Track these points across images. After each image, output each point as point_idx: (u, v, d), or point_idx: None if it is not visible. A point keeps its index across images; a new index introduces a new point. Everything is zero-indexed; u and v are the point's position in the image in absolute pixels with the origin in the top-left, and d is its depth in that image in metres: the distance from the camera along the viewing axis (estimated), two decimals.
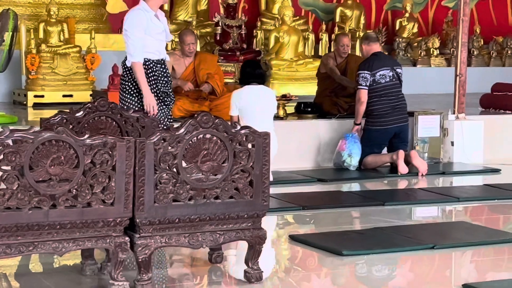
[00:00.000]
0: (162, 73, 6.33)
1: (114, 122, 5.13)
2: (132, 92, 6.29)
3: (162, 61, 6.34)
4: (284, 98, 9.28)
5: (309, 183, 8.01)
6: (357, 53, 13.51)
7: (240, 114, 7.41)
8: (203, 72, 8.77)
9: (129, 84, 6.29)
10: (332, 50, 10.50)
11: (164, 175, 4.36)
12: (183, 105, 8.64)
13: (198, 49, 10.52)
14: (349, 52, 9.71)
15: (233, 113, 7.45)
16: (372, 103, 8.60)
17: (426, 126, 9.12)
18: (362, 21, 14.49)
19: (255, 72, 7.54)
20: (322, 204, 6.97)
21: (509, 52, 15.43)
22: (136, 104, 6.27)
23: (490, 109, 10.67)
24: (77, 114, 5.04)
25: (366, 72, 8.54)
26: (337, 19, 14.43)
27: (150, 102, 6.22)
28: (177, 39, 12.17)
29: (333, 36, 12.20)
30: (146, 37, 6.19)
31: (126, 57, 6.29)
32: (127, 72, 6.28)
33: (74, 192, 4.18)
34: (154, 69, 6.27)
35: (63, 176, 4.14)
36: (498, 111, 10.54)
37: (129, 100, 6.30)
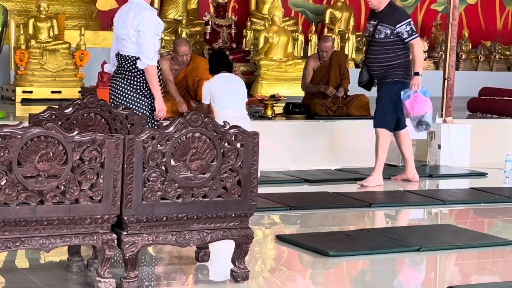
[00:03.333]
0: (160, 76, 6.26)
1: (103, 119, 5.12)
2: (145, 94, 6.12)
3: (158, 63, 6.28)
4: (273, 99, 9.29)
5: (297, 184, 8.03)
6: (346, 53, 13.54)
7: (213, 102, 7.68)
8: (195, 79, 8.78)
9: (144, 84, 6.10)
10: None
11: (153, 173, 4.36)
12: (171, 107, 8.64)
13: None
14: (334, 50, 9.77)
15: (205, 101, 7.77)
16: (403, 54, 7.82)
17: (413, 129, 9.14)
18: (352, 23, 14.51)
19: (223, 61, 7.92)
20: (309, 205, 6.98)
21: (497, 56, 15.50)
22: (147, 106, 6.14)
23: (477, 113, 10.72)
24: (66, 111, 5.02)
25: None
26: (327, 20, 14.45)
27: (163, 106, 6.17)
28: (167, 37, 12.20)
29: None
30: (155, 38, 6.12)
31: (129, 56, 6.10)
32: (141, 72, 6.11)
33: (62, 189, 4.17)
34: (159, 70, 6.20)
35: (52, 172, 4.13)
36: (485, 115, 10.59)
37: (142, 102, 6.10)
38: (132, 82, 6.12)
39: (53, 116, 4.96)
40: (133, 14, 6.03)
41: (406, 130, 8.08)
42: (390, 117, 7.89)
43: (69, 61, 10.89)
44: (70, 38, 11.26)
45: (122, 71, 6.15)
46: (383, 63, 7.78)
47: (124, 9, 6.21)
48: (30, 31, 11.10)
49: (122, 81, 6.14)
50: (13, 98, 10.60)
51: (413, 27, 7.75)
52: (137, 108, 6.05)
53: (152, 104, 6.14)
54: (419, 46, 7.79)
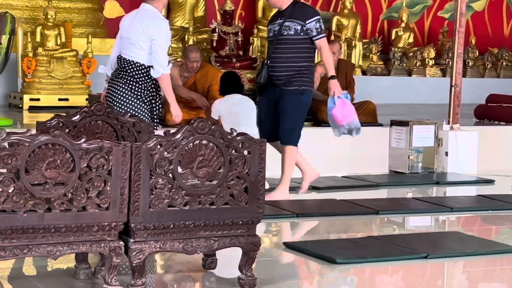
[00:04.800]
0: None
1: (110, 127, 5.13)
2: (146, 100, 6.17)
3: None
4: None
5: None
6: (353, 60, 13.56)
7: (222, 121, 7.62)
8: (204, 86, 8.80)
9: (145, 91, 6.16)
10: None
11: (160, 180, 4.36)
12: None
13: None
14: (340, 57, 9.76)
15: (214, 117, 7.71)
16: (311, 57, 7.26)
17: (420, 136, 9.14)
18: (358, 30, 14.53)
19: (234, 83, 7.86)
20: (317, 212, 6.99)
21: (503, 63, 15.49)
22: (147, 113, 6.18)
23: (485, 120, 10.71)
24: (74, 118, 5.03)
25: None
26: (334, 27, 14.47)
27: (178, 112, 6.24)
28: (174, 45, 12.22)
29: None
30: (168, 49, 6.22)
31: (136, 62, 6.14)
32: (145, 78, 6.14)
33: (69, 196, 4.17)
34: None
35: (59, 179, 4.14)
36: (492, 122, 10.59)
37: (141, 108, 6.15)
38: (133, 87, 6.14)
39: (61, 124, 4.98)
40: (148, 22, 6.06)
41: (296, 149, 7.38)
42: (298, 132, 7.26)
43: (76, 69, 10.92)
44: (78, 45, 11.30)
45: (123, 75, 6.16)
46: (290, 63, 7.06)
47: (136, 14, 6.23)
48: (38, 38, 11.14)
49: (123, 86, 6.15)
50: (20, 105, 10.63)
51: (323, 26, 7.13)
52: (136, 113, 6.08)
53: (153, 110, 6.19)
54: (327, 48, 7.14)
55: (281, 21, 7.07)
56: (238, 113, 7.65)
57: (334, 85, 7.09)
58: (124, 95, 6.15)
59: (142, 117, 6.07)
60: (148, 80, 6.14)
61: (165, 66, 6.09)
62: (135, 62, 6.10)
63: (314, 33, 6.99)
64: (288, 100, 7.05)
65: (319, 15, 7.10)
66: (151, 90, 6.18)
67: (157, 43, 6.05)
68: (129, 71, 6.12)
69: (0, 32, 8.31)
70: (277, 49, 7.08)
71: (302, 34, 7.00)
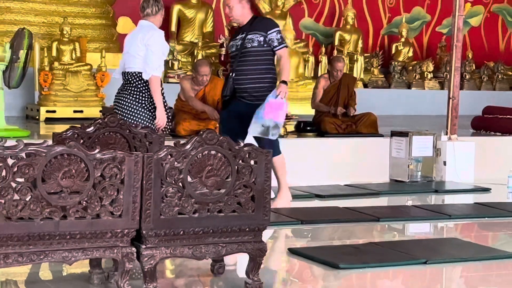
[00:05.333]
0: (163, 91, 6.38)
1: (123, 138, 5.15)
2: (148, 107, 6.24)
3: (161, 81, 6.39)
4: (285, 117, 9.29)
5: (308, 199, 8.02)
6: (355, 74, 13.57)
7: None
8: (214, 99, 8.81)
9: (147, 98, 6.23)
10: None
11: (170, 189, 4.36)
12: (189, 126, 8.69)
13: None
14: (343, 73, 9.77)
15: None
16: (272, 69, 7.07)
17: (420, 146, 9.13)
18: (360, 45, 14.54)
19: None
20: (320, 219, 6.97)
21: (499, 76, 15.48)
22: (150, 119, 6.23)
23: (481, 131, 10.70)
24: (88, 130, 5.05)
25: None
26: (336, 42, 14.48)
27: (163, 116, 6.25)
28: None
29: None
30: (161, 57, 6.27)
31: (135, 72, 6.22)
32: (145, 86, 6.22)
33: (84, 204, 4.18)
34: (161, 87, 6.32)
35: (74, 188, 4.15)
36: (488, 133, 10.57)
37: (144, 115, 6.21)
38: (137, 96, 6.23)
39: (76, 135, 4.99)
40: (143, 33, 6.29)
41: (282, 155, 7.25)
42: (276, 141, 7.02)
43: (90, 82, 10.95)
44: (92, 60, 11.33)
45: (128, 87, 6.29)
46: (255, 75, 6.91)
47: (135, 31, 6.42)
48: (54, 53, 11.18)
49: (128, 96, 6.28)
50: (37, 117, 10.65)
51: (283, 36, 7.06)
52: (140, 120, 6.13)
53: (154, 116, 6.23)
54: (287, 57, 6.97)
55: (243, 35, 6.94)
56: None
57: (284, 87, 6.78)
58: (129, 104, 6.26)
59: (146, 123, 6.13)
60: (148, 88, 6.21)
61: (155, 68, 6.16)
62: (136, 72, 6.23)
63: (276, 43, 6.87)
64: (250, 113, 6.82)
65: (279, 27, 7.05)
66: (152, 97, 6.22)
67: (150, 48, 6.19)
68: (132, 82, 6.25)
69: (18, 48, 8.34)
70: (241, 62, 6.93)
71: (265, 45, 6.89)
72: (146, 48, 6.18)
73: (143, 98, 6.24)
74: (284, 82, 6.82)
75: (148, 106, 6.25)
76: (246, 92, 6.93)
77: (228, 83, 7.00)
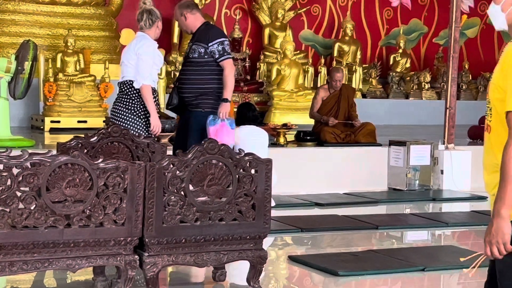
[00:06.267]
0: (157, 100, 6.37)
1: (126, 147, 5.15)
2: (140, 115, 6.24)
3: (155, 90, 6.35)
4: (285, 127, 9.31)
5: (308, 207, 8.01)
6: (353, 85, 13.58)
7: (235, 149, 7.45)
8: None
9: (139, 106, 6.23)
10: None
11: (172, 197, 4.36)
12: None
13: None
14: (342, 83, 9.77)
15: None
16: (217, 79, 6.70)
17: (417, 155, 9.13)
18: (359, 56, 14.55)
19: (249, 114, 7.66)
20: (320, 227, 6.97)
21: None
22: (142, 126, 6.21)
23: (478, 140, 10.69)
24: (92, 139, 5.05)
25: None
26: (335, 53, 14.49)
27: (158, 123, 6.24)
28: None
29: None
30: (154, 67, 6.26)
31: (127, 80, 6.22)
32: (136, 94, 6.22)
33: (87, 213, 4.18)
34: (154, 95, 6.29)
35: (78, 197, 4.15)
36: None
37: (137, 123, 6.21)
38: (129, 104, 6.22)
39: (80, 145, 4.99)
40: (136, 42, 6.27)
41: None
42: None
43: (94, 93, 10.96)
44: (95, 71, 11.35)
45: (121, 96, 6.31)
46: (195, 85, 6.65)
47: (131, 42, 6.43)
48: (58, 65, 11.19)
49: (121, 105, 6.29)
50: (42, 127, 10.66)
51: (226, 48, 6.65)
52: (132, 128, 6.12)
53: (147, 124, 6.22)
54: (230, 69, 6.61)
55: (191, 43, 6.79)
56: (249, 143, 7.49)
57: (225, 107, 6.57)
58: (122, 113, 6.26)
59: (138, 130, 6.13)
60: (140, 96, 6.20)
61: (145, 78, 6.16)
62: (128, 81, 6.22)
63: (217, 55, 6.60)
64: (193, 121, 6.68)
65: (223, 37, 6.71)
66: (144, 105, 6.21)
67: (141, 57, 6.18)
68: (125, 91, 6.25)
69: (23, 59, 8.35)
70: (184, 71, 6.77)
71: (206, 56, 6.62)
72: (137, 57, 6.18)
73: (135, 106, 6.24)
74: (225, 100, 6.58)
75: (140, 113, 6.24)
76: (187, 100, 6.68)
77: (173, 93, 6.84)
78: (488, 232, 2.81)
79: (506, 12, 2.90)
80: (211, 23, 7.25)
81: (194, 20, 6.75)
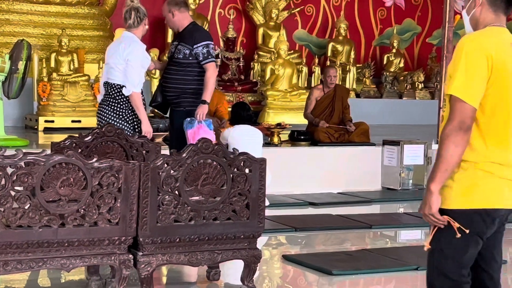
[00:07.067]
0: (143, 100, 6.32)
1: (120, 147, 5.15)
2: (128, 119, 6.18)
3: (141, 91, 6.32)
4: (279, 127, 9.31)
5: (301, 207, 8.02)
6: (347, 84, 13.59)
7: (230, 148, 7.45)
8: (210, 109, 8.78)
9: (127, 111, 6.18)
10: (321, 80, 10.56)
11: (167, 197, 4.36)
12: None
13: None
14: (336, 82, 9.77)
15: (222, 142, 7.50)
16: (197, 79, 6.73)
17: (411, 155, 9.14)
18: (352, 55, 14.56)
19: (243, 113, 7.65)
20: (313, 226, 6.98)
21: None
22: (129, 131, 6.14)
23: None
24: (86, 139, 5.05)
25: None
26: (329, 53, 14.50)
27: (149, 129, 6.19)
28: None
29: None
30: (142, 70, 6.21)
31: (115, 84, 6.17)
32: (124, 99, 6.17)
33: (82, 212, 4.18)
34: (142, 96, 6.27)
35: (72, 196, 4.15)
36: None
37: (124, 127, 6.13)
38: (116, 108, 6.17)
39: (74, 144, 4.99)
40: (124, 45, 6.15)
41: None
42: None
43: (88, 92, 10.94)
44: (89, 71, 11.33)
45: (107, 98, 6.21)
46: (178, 85, 6.68)
47: (116, 42, 6.37)
48: (52, 64, 11.17)
49: (107, 107, 6.19)
50: (36, 127, 10.64)
51: (211, 51, 6.68)
52: None
53: (135, 128, 6.16)
54: (212, 72, 6.61)
55: (176, 43, 6.78)
56: (244, 142, 7.51)
57: (202, 108, 6.58)
58: (109, 116, 6.17)
59: None
60: (128, 100, 6.15)
61: (135, 85, 6.10)
62: (115, 84, 6.15)
63: (201, 58, 6.62)
64: (176, 120, 6.74)
65: (208, 40, 6.71)
66: (132, 109, 6.17)
67: (130, 63, 6.10)
68: (111, 93, 6.17)
69: (17, 59, 8.34)
70: (168, 70, 6.75)
71: (190, 58, 6.65)
72: (126, 63, 6.09)
73: (122, 111, 6.17)
74: (203, 101, 6.59)
75: (127, 118, 6.18)
76: (170, 99, 6.72)
77: (157, 90, 6.88)
78: (420, 205, 3.15)
79: (469, 15, 3.14)
80: (198, 23, 7.22)
81: (182, 19, 6.76)
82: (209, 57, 6.64)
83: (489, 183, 3.02)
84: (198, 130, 6.52)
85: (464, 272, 3.10)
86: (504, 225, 3.19)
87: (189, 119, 6.54)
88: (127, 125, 6.17)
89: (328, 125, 9.42)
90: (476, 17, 3.13)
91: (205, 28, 13.33)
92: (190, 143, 4.80)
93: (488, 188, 3.02)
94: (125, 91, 6.09)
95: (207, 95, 6.59)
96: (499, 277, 3.22)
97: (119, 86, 6.12)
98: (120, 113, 6.16)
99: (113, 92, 6.16)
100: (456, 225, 3.03)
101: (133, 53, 6.11)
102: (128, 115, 6.17)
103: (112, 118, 6.14)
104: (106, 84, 6.22)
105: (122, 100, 6.14)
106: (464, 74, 2.97)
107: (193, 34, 6.69)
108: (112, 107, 6.17)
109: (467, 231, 3.03)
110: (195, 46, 6.61)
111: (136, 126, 6.17)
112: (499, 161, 3.03)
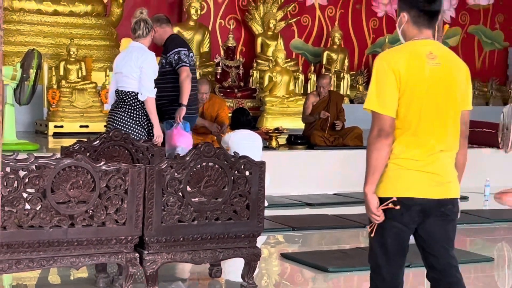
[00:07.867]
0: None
1: (126, 151, 5.15)
2: (143, 125, 6.22)
3: None
4: (277, 131, 9.32)
5: (299, 207, 8.02)
6: (342, 91, 13.60)
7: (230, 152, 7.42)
8: (212, 115, 8.79)
9: (142, 117, 6.21)
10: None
11: (171, 198, 4.37)
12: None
13: None
14: (329, 90, 9.76)
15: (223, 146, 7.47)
16: (177, 86, 6.77)
17: None
18: (346, 63, 14.56)
19: (242, 119, 7.64)
20: (310, 226, 6.98)
21: (475, 92, 15.52)
22: (144, 136, 6.19)
23: None
24: (94, 143, 5.06)
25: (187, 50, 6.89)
26: (324, 61, 14.50)
27: (160, 133, 6.21)
28: None
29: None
30: (154, 77, 6.25)
31: (130, 91, 6.19)
32: (140, 106, 6.19)
33: (90, 213, 4.19)
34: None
35: (81, 198, 4.15)
36: None
37: (140, 132, 6.19)
38: (132, 114, 6.18)
39: (82, 148, 4.99)
40: (137, 54, 6.19)
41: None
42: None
43: (95, 99, 10.93)
44: (97, 78, 11.33)
45: (122, 105, 6.21)
46: (163, 93, 6.63)
47: (127, 52, 6.37)
48: (61, 72, 11.16)
49: (123, 114, 6.20)
50: (45, 132, 10.63)
51: (182, 57, 6.68)
52: (135, 137, 6.09)
53: (150, 133, 6.20)
54: (184, 76, 6.62)
55: (163, 55, 6.89)
56: (244, 146, 7.48)
57: (179, 111, 6.57)
58: (123, 121, 6.19)
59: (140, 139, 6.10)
60: (143, 106, 6.18)
61: (150, 90, 6.14)
62: (130, 92, 6.17)
63: (174, 64, 6.68)
64: (165, 128, 6.63)
65: (179, 47, 6.74)
66: (146, 115, 6.20)
67: (144, 71, 6.14)
68: (126, 100, 6.18)
69: (28, 67, 8.34)
70: (157, 80, 6.54)
71: (167, 66, 6.73)
72: (140, 71, 6.12)
73: (138, 116, 6.20)
74: (180, 104, 6.60)
75: (142, 123, 6.21)
76: (160, 107, 6.54)
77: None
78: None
79: (399, 30, 3.38)
80: (176, 34, 7.23)
81: (162, 33, 6.87)
82: (180, 62, 6.68)
83: (401, 175, 3.28)
84: (174, 131, 6.53)
85: (392, 258, 3.52)
86: (448, 215, 3.54)
87: (165, 122, 6.58)
88: (143, 130, 6.20)
89: (328, 114, 9.41)
90: (404, 32, 3.35)
91: (207, 38, 13.36)
92: (191, 148, 4.81)
93: (401, 179, 3.28)
94: (140, 97, 6.13)
95: (184, 98, 6.62)
96: (450, 261, 3.51)
97: (134, 93, 6.14)
98: (136, 119, 6.18)
99: (129, 99, 6.16)
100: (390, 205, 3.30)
101: (146, 61, 6.15)
102: (143, 121, 6.21)
103: (128, 123, 6.17)
104: (120, 92, 6.23)
105: (138, 106, 6.17)
106: (375, 89, 3.31)
107: (167, 44, 6.82)
108: (128, 113, 6.18)
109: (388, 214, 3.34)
110: (168, 55, 6.74)
111: (150, 131, 6.20)
112: (412, 157, 3.27)
